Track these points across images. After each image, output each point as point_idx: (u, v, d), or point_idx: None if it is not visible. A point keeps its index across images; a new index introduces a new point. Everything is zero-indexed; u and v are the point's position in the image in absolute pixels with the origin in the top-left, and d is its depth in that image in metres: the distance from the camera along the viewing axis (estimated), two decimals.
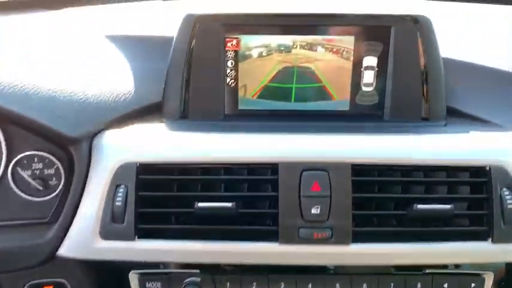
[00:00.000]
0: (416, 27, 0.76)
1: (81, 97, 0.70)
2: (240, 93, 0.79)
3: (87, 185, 0.70)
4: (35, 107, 0.66)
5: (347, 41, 0.77)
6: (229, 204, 0.66)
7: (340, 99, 0.79)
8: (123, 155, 0.68)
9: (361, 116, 0.79)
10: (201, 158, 0.68)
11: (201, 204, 0.66)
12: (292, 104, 0.79)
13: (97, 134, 0.71)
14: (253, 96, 0.79)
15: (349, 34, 0.76)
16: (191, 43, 0.76)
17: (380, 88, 0.78)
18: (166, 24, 0.89)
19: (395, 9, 0.92)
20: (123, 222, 0.67)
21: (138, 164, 0.68)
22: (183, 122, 0.77)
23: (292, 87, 0.79)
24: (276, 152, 0.68)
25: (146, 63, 0.82)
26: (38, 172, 0.75)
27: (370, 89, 0.79)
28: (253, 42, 0.77)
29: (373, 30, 0.76)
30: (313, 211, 0.66)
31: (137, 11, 0.97)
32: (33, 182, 0.75)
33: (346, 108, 0.79)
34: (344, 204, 0.67)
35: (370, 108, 0.79)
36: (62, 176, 0.74)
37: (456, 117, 0.79)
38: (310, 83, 0.79)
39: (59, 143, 0.70)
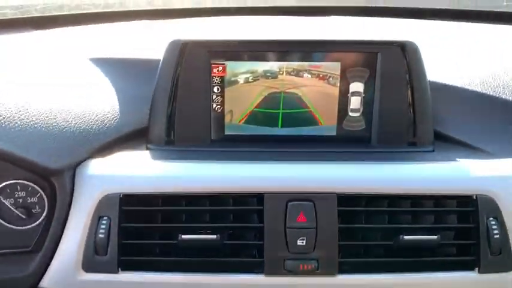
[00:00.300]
0: (402, 53, 0.75)
1: (64, 126, 0.69)
2: (227, 118, 0.79)
3: (69, 215, 0.68)
4: (15, 139, 0.65)
5: (333, 67, 0.76)
6: (213, 236, 0.65)
7: (327, 124, 0.79)
8: (106, 186, 0.67)
9: (348, 142, 0.78)
10: (186, 189, 0.67)
11: (184, 237, 0.65)
12: (279, 130, 0.79)
13: (80, 163, 0.70)
14: (239, 121, 0.79)
15: (336, 60, 0.76)
16: (177, 69, 0.76)
17: (367, 113, 0.78)
18: (152, 45, 0.88)
19: (383, 34, 0.92)
20: (106, 254, 0.66)
21: (121, 195, 0.67)
22: (168, 148, 0.76)
23: (279, 113, 0.78)
24: (262, 182, 0.68)
25: (131, 87, 0.81)
26: (21, 200, 0.73)
27: (357, 114, 0.78)
28: (240, 68, 0.76)
29: (360, 56, 0.76)
30: (299, 242, 0.66)
31: (121, 32, 0.96)
32: (15, 211, 0.74)
33: (333, 133, 0.79)
34: (330, 235, 0.66)
35: (357, 133, 0.79)
36: (46, 204, 0.73)
37: (444, 141, 0.79)
38: (297, 109, 0.78)
39: (40, 174, 0.69)
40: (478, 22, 1.04)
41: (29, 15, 1.03)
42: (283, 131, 0.79)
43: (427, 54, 0.87)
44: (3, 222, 0.73)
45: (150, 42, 0.90)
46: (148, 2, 1.08)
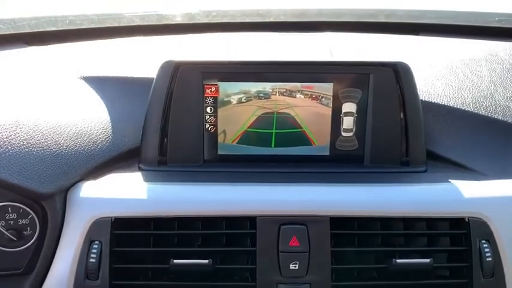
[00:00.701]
0: (395, 75, 0.76)
1: (55, 149, 0.69)
2: (220, 138, 0.78)
3: (61, 238, 0.68)
4: (5, 165, 0.64)
5: (326, 88, 0.76)
6: (205, 261, 0.65)
7: (320, 144, 0.79)
8: (97, 209, 0.67)
9: (341, 161, 0.78)
10: (178, 212, 0.67)
11: (176, 261, 0.65)
12: (272, 149, 0.79)
13: (72, 186, 0.69)
14: (233, 141, 0.79)
15: (328, 81, 0.76)
16: (170, 89, 0.76)
17: (360, 133, 0.78)
18: (145, 63, 0.88)
19: (376, 50, 0.93)
20: (97, 279, 0.65)
21: (112, 219, 0.66)
22: (160, 169, 0.76)
23: (272, 133, 0.78)
24: (254, 205, 0.68)
25: (123, 106, 0.81)
26: (12, 222, 0.73)
27: (349, 134, 0.78)
28: (232, 89, 0.76)
29: (352, 77, 0.76)
30: (292, 267, 0.65)
31: (114, 49, 0.96)
32: (6, 233, 0.73)
33: (326, 153, 0.79)
34: (323, 258, 0.66)
35: (350, 153, 0.79)
36: (37, 226, 0.72)
37: (437, 161, 0.79)
38: (290, 129, 0.78)
39: (31, 198, 0.68)
40: (469, 38, 1.04)
41: (22, 31, 1.03)
42: (276, 151, 0.79)
43: (419, 72, 0.88)
44: None
45: (144, 59, 0.90)
46: (142, 18, 1.08)
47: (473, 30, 1.09)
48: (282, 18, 1.11)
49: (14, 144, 0.66)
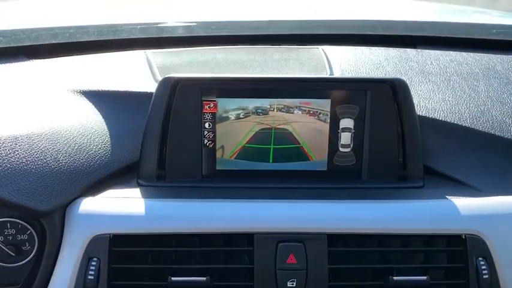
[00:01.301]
0: (391, 90, 0.76)
1: (54, 166, 0.69)
2: (218, 154, 0.79)
3: (59, 255, 0.68)
4: (3, 183, 0.65)
5: (323, 104, 0.77)
6: (203, 279, 0.65)
7: (317, 159, 0.79)
8: (95, 226, 0.67)
9: (339, 177, 0.79)
10: (176, 229, 0.68)
11: (174, 278, 0.65)
12: (270, 165, 0.79)
13: (70, 202, 0.70)
14: (231, 156, 0.79)
15: (326, 97, 0.77)
16: (169, 105, 0.76)
17: (357, 149, 0.78)
18: (144, 78, 0.89)
19: (373, 69, 0.93)
20: None
21: (111, 236, 0.67)
22: (159, 185, 0.76)
23: (270, 148, 0.79)
24: (252, 222, 0.68)
25: (122, 121, 0.81)
26: (10, 238, 0.73)
27: (347, 150, 0.79)
28: (231, 105, 0.77)
29: (349, 93, 0.76)
30: (289, 284, 0.66)
31: (112, 63, 0.96)
32: (5, 248, 0.73)
33: (324, 168, 0.79)
34: (320, 275, 0.66)
35: (348, 168, 0.79)
36: (36, 242, 0.73)
37: (434, 176, 0.79)
38: (288, 144, 0.79)
39: (30, 215, 0.69)
40: (466, 51, 1.05)
41: (22, 44, 1.03)
42: (274, 166, 0.79)
43: (416, 86, 0.88)
44: None
45: (143, 73, 0.90)
46: (142, 31, 1.08)
47: (471, 43, 1.09)
48: (280, 31, 1.11)
49: (12, 161, 0.66)
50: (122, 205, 0.70)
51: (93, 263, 0.66)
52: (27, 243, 0.73)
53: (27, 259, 0.73)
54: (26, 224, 0.72)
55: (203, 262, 0.68)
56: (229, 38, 1.07)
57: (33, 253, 0.72)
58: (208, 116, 0.77)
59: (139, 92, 0.85)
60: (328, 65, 0.92)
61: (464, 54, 1.02)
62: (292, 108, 0.77)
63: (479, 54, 1.03)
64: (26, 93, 0.84)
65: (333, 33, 1.11)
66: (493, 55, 1.02)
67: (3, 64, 0.95)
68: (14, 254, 0.73)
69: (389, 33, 1.13)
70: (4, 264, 0.73)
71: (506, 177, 0.76)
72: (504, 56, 1.02)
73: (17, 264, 0.73)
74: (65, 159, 0.71)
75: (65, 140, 0.73)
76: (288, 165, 0.79)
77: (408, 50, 1.04)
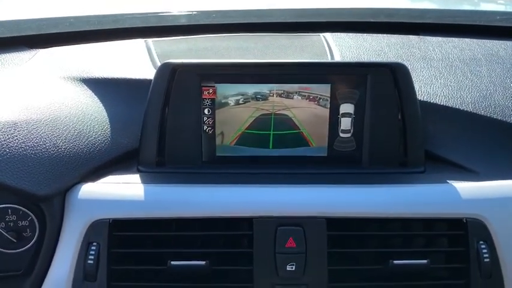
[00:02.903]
0: (392, 75, 0.75)
1: (54, 152, 0.69)
2: (218, 140, 0.79)
3: (59, 241, 0.69)
4: (3, 167, 0.65)
5: (324, 89, 0.76)
6: (202, 263, 0.65)
7: (317, 145, 0.79)
8: (95, 211, 0.67)
9: (339, 162, 0.78)
10: (176, 214, 0.68)
11: (174, 263, 0.65)
12: (270, 151, 0.79)
13: (70, 188, 0.70)
14: (231, 143, 0.79)
15: (326, 82, 0.76)
16: (167, 92, 0.76)
17: (357, 134, 0.78)
18: (143, 65, 0.89)
19: (374, 55, 0.92)
20: (95, 280, 0.66)
21: (110, 221, 0.67)
22: (159, 171, 0.76)
23: (269, 134, 0.79)
24: (251, 206, 0.68)
25: (121, 108, 0.81)
26: (11, 224, 0.73)
27: (347, 135, 0.78)
28: (230, 91, 0.77)
29: (349, 78, 0.76)
30: (288, 268, 0.66)
31: (112, 51, 0.96)
32: (6, 235, 0.74)
33: (324, 154, 0.79)
34: (320, 260, 0.66)
35: (348, 154, 0.79)
36: (36, 228, 0.73)
37: (435, 161, 0.79)
38: (288, 130, 0.78)
39: (30, 200, 0.69)
40: (469, 37, 1.04)
41: (23, 34, 1.04)
42: (274, 152, 0.79)
43: (418, 72, 0.87)
44: None
45: (143, 61, 0.90)
46: (142, 19, 1.08)
47: (474, 29, 1.08)
48: (281, 19, 1.10)
49: (12, 146, 0.67)
50: (122, 190, 0.70)
51: (93, 248, 0.66)
52: (28, 230, 0.73)
53: (29, 245, 0.73)
54: (26, 210, 0.73)
55: (203, 246, 0.68)
56: (229, 26, 1.07)
57: (34, 239, 0.73)
58: (207, 101, 0.77)
59: (138, 79, 0.85)
60: (329, 51, 0.92)
61: (467, 40, 1.01)
62: (292, 93, 0.77)
63: (482, 40, 1.02)
64: (27, 80, 0.84)
65: (334, 21, 1.10)
66: (496, 41, 1.01)
67: (5, 53, 0.96)
68: (15, 241, 0.73)
69: (392, 21, 1.12)
70: (6, 251, 0.73)
71: (507, 161, 0.75)
72: (507, 42, 1.00)
73: (18, 250, 0.73)
74: (65, 145, 0.71)
75: (65, 126, 0.74)
76: (287, 151, 0.79)
77: (411, 36, 1.03)
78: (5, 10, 1.19)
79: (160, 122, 0.76)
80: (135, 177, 0.74)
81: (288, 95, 0.77)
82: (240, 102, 0.77)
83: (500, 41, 1.01)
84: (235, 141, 0.79)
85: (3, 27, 1.05)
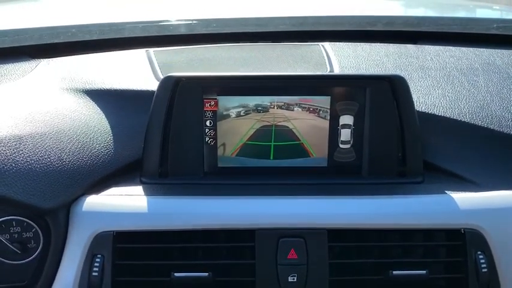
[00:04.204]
0: (390, 87, 0.77)
1: (58, 165, 0.70)
2: (219, 151, 0.80)
3: (64, 252, 0.69)
4: (8, 182, 0.66)
5: (323, 101, 0.78)
6: (205, 274, 0.66)
7: (318, 156, 0.80)
8: (99, 223, 0.68)
9: (339, 173, 0.80)
10: (179, 226, 0.69)
11: (177, 274, 0.66)
12: (271, 161, 0.80)
13: (74, 200, 0.71)
14: (232, 154, 0.80)
15: (326, 94, 0.77)
16: (170, 104, 0.77)
17: (357, 145, 0.79)
18: (146, 76, 0.90)
19: (373, 65, 0.94)
20: None
21: (114, 233, 0.68)
22: (161, 182, 0.77)
23: (270, 145, 0.80)
24: (253, 218, 0.69)
25: (124, 120, 0.82)
26: (16, 236, 0.74)
27: (347, 146, 0.80)
28: (231, 103, 0.78)
29: (349, 90, 0.77)
30: (290, 279, 0.67)
31: (114, 62, 0.97)
32: (11, 246, 0.74)
33: (324, 164, 0.80)
34: (321, 271, 0.67)
35: (348, 164, 0.80)
36: (41, 239, 0.74)
37: (433, 171, 0.80)
38: (288, 141, 0.79)
39: (35, 213, 0.70)
40: (466, 46, 1.05)
41: (25, 44, 1.04)
42: (275, 163, 0.80)
43: (415, 82, 0.88)
44: None
45: (145, 72, 0.91)
46: (144, 29, 1.09)
47: (471, 38, 1.10)
48: (280, 28, 1.11)
49: (17, 161, 0.67)
50: (125, 202, 0.71)
51: (97, 260, 0.67)
52: (32, 241, 0.74)
53: (33, 256, 0.74)
54: (31, 222, 0.73)
55: (205, 258, 0.69)
56: (229, 35, 1.08)
57: (38, 250, 0.74)
58: (209, 113, 0.78)
59: (141, 90, 0.85)
60: (328, 61, 0.93)
61: (464, 49, 1.02)
62: (292, 105, 0.78)
63: (479, 49, 1.03)
64: (30, 92, 0.85)
65: (333, 30, 1.11)
66: (493, 50, 1.02)
67: (6, 64, 0.97)
68: (19, 252, 0.74)
69: (389, 29, 1.13)
70: (10, 262, 0.74)
71: (505, 171, 0.77)
72: (504, 51, 1.02)
73: (22, 261, 0.74)
74: (69, 157, 0.72)
75: (69, 139, 0.74)
76: (288, 162, 0.80)
77: (408, 45, 1.04)
78: (6, 19, 1.20)
79: (163, 133, 0.77)
80: (138, 189, 0.75)
81: (288, 107, 0.78)
82: (242, 114, 0.78)
83: (497, 50, 1.02)
84: (236, 152, 0.80)
85: (5, 37, 1.05)
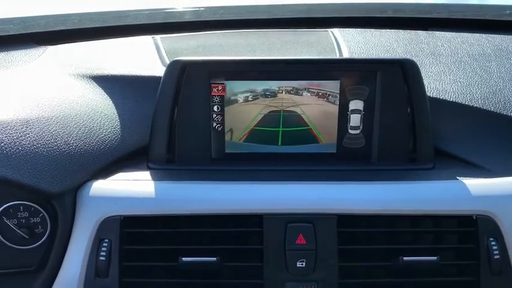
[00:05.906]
0: (402, 71, 0.75)
1: (65, 149, 0.70)
2: (227, 137, 0.79)
3: (71, 237, 0.69)
4: (15, 165, 0.65)
5: (333, 86, 0.76)
6: (213, 259, 0.65)
7: (327, 142, 0.79)
8: (106, 208, 0.68)
9: (348, 159, 0.78)
10: (186, 211, 0.68)
11: (185, 259, 0.66)
12: (279, 147, 0.79)
13: (81, 185, 0.71)
14: (240, 140, 0.79)
15: (335, 78, 0.76)
16: (177, 89, 0.76)
17: (367, 131, 0.78)
18: (153, 62, 0.89)
19: (383, 51, 0.92)
20: (107, 276, 0.67)
21: (122, 217, 0.67)
22: (169, 168, 0.77)
23: (279, 131, 0.79)
24: (261, 203, 0.68)
25: (131, 105, 0.82)
26: (23, 221, 0.74)
27: (356, 132, 0.78)
28: (239, 88, 0.77)
29: (359, 74, 0.76)
30: (299, 264, 0.66)
31: (122, 48, 0.97)
32: (19, 231, 0.74)
33: (333, 150, 0.79)
34: (330, 256, 0.66)
35: (357, 150, 0.79)
36: (48, 224, 0.74)
37: (444, 157, 0.78)
38: (297, 127, 0.78)
39: (42, 197, 0.70)
40: (478, 33, 1.03)
41: (32, 31, 1.04)
42: (283, 149, 0.79)
43: (427, 67, 0.87)
44: (6, 243, 0.73)
45: (152, 58, 0.91)
46: (150, 16, 1.08)
47: (483, 24, 1.08)
48: (288, 15, 1.10)
49: (24, 144, 0.67)
50: (132, 187, 0.70)
51: (105, 244, 0.67)
52: (40, 226, 0.74)
53: (40, 241, 0.74)
54: (38, 207, 0.73)
55: (213, 243, 0.68)
56: (237, 22, 1.07)
57: (46, 235, 0.74)
58: (216, 99, 0.77)
59: (148, 76, 0.85)
60: (338, 47, 0.91)
61: (476, 35, 1.00)
62: (301, 90, 0.77)
63: (492, 35, 1.01)
64: (37, 78, 0.84)
65: (342, 16, 1.09)
66: (505, 36, 1.01)
67: (14, 51, 0.96)
68: (27, 237, 0.74)
69: (400, 16, 1.11)
70: (18, 247, 0.74)
71: None
72: None
73: (30, 246, 0.74)
74: (76, 142, 0.71)
75: (76, 123, 0.74)
76: (297, 148, 0.79)
77: (419, 32, 1.03)
78: (13, 7, 1.20)
79: (170, 119, 0.77)
80: (145, 174, 0.74)
81: (296, 92, 0.77)
82: (249, 99, 0.77)
83: (510, 36, 1.01)
84: (244, 138, 0.79)
85: (11, 24, 1.05)
